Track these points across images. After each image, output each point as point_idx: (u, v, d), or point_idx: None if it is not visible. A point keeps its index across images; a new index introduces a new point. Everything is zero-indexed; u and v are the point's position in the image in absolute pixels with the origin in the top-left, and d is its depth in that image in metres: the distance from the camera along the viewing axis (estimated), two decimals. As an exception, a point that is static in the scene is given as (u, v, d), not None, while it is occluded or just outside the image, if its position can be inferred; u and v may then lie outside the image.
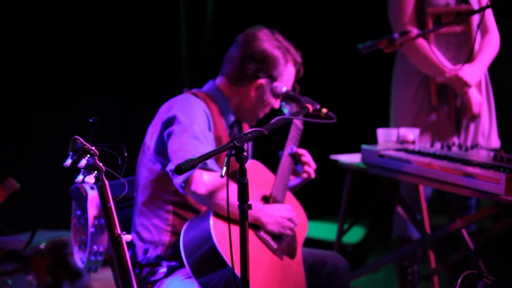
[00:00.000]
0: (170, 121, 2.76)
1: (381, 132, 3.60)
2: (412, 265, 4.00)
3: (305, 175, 3.08)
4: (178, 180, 2.64)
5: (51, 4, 5.03)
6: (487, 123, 3.97)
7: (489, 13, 3.94)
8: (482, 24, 3.91)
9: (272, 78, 2.90)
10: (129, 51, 5.35)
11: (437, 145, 3.42)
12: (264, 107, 2.96)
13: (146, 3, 5.39)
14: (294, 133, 3.04)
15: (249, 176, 2.75)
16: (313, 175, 3.08)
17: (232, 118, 2.94)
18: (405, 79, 3.96)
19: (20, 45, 5.00)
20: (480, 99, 3.87)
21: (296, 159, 3.04)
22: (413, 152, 3.34)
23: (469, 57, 3.79)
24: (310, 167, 3.06)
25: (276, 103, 2.99)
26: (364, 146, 3.55)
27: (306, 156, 3.06)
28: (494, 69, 4.04)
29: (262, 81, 2.90)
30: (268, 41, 2.91)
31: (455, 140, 3.86)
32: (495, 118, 3.99)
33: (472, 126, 3.93)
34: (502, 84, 4.29)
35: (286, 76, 2.94)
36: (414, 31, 3.67)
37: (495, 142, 3.97)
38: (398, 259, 3.99)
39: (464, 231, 3.43)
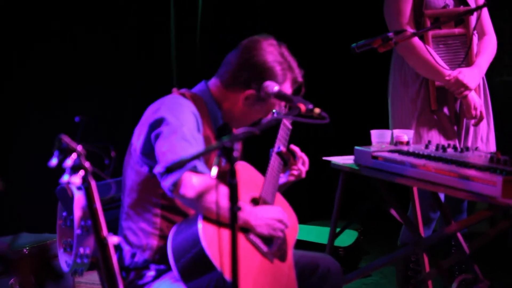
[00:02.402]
0: (157, 123, 2.67)
1: (374, 133, 3.54)
2: (416, 275, 3.94)
3: (295, 172, 3.02)
4: (166, 183, 2.56)
5: (37, 1, 4.99)
6: (485, 127, 3.93)
7: (485, 15, 3.90)
8: (479, 27, 3.88)
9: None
10: (117, 50, 5.30)
11: (432, 147, 3.36)
12: (252, 117, 2.87)
13: (136, 2, 5.35)
14: (283, 133, 2.98)
15: (237, 178, 2.69)
16: (303, 175, 3.01)
17: (220, 121, 2.86)
18: (404, 82, 3.90)
19: (5, 43, 4.94)
20: (479, 103, 3.83)
21: (284, 158, 2.97)
22: (407, 153, 3.28)
23: (465, 60, 3.76)
24: (304, 165, 3.00)
25: (269, 115, 2.89)
26: (357, 147, 3.49)
27: (300, 153, 3.00)
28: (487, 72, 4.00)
29: (252, 91, 2.79)
30: (272, 54, 2.79)
31: (456, 144, 3.81)
32: (492, 123, 3.96)
33: (471, 131, 3.89)
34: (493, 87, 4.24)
35: None
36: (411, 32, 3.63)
37: (493, 147, 3.93)
38: (390, 263, 3.94)
39: (459, 235, 3.37)
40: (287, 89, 2.83)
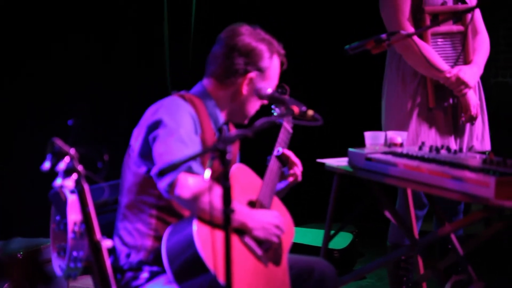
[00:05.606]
0: (155, 125, 2.70)
1: (368, 135, 3.54)
2: (408, 274, 3.93)
3: (291, 178, 3.03)
4: (162, 184, 2.58)
5: (33, 5, 4.97)
6: (480, 125, 3.94)
7: (478, 14, 3.91)
8: (472, 25, 3.88)
9: (261, 71, 2.87)
10: (112, 53, 5.28)
11: (426, 148, 3.36)
12: (255, 103, 2.92)
13: (131, 5, 5.35)
14: (283, 137, 3.00)
15: (235, 180, 2.69)
16: (300, 178, 3.03)
17: (221, 120, 2.88)
18: (402, 80, 3.88)
19: (6, 45, 4.93)
20: (477, 101, 3.84)
21: (283, 161, 2.98)
22: (401, 155, 3.28)
23: (462, 57, 3.76)
24: (298, 168, 3.02)
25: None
26: (350, 149, 3.48)
27: (293, 157, 3.02)
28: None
29: (252, 74, 2.85)
30: (251, 35, 2.88)
31: (452, 143, 3.82)
32: (487, 121, 3.97)
33: (467, 129, 3.90)
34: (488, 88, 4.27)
35: (273, 68, 2.91)
36: (409, 30, 3.63)
37: (488, 145, 3.94)
38: (385, 265, 3.93)
39: (453, 236, 3.37)
40: (276, 62, 2.92)
